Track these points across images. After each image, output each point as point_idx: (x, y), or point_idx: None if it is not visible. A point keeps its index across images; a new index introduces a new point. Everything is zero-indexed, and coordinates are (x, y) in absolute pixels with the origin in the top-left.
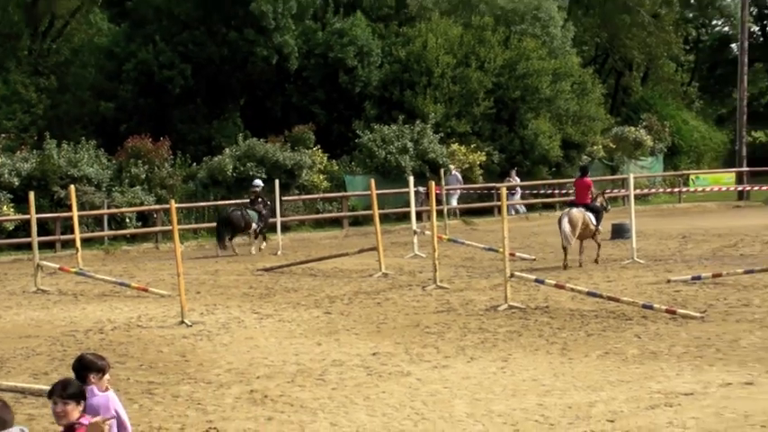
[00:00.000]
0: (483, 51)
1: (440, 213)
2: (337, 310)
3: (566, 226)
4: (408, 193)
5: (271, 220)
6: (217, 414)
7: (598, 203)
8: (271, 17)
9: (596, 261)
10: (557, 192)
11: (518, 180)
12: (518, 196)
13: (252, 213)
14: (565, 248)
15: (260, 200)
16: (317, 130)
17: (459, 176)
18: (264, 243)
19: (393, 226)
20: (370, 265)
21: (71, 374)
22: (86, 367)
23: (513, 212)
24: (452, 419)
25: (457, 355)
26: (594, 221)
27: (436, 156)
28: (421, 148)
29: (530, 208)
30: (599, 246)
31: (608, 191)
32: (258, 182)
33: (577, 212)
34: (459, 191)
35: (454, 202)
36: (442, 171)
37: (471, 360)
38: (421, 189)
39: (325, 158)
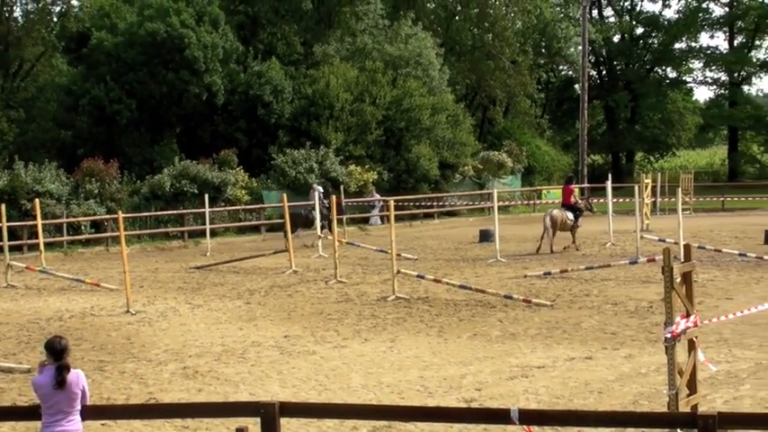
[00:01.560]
0: (375, 90)
1: (340, 221)
2: (256, 301)
3: (547, 221)
4: (314, 205)
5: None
6: (156, 387)
7: (582, 205)
8: (201, 61)
9: (575, 248)
10: (435, 204)
11: (378, 196)
12: (377, 210)
13: (315, 213)
14: (542, 237)
15: (323, 202)
16: (239, 153)
17: (321, 190)
18: (324, 237)
19: (302, 232)
20: (282, 264)
21: (36, 355)
22: (66, 349)
23: (373, 223)
24: (350, 390)
25: (353, 337)
26: (572, 218)
27: (337, 174)
28: (324, 168)
29: (413, 217)
30: (574, 236)
31: (592, 199)
32: (319, 188)
33: (558, 212)
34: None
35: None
36: (341, 187)
37: (365, 341)
38: (325, 202)
39: (247, 177)
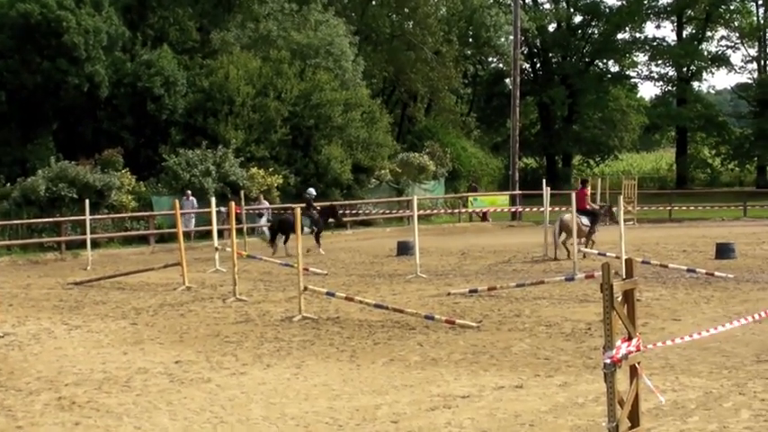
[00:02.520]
0: (280, 83)
1: (240, 231)
2: (143, 321)
3: (556, 227)
4: (210, 212)
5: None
6: (26, 420)
7: (601, 210)
8: (82, 48)
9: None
10: (348, 212)
11: (266, 203)
12: (264, 219)
13: (305, 219)
14: (555, 243)
15: (313, 206)
16: (125, 153)
17: (195, 202)
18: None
19: (196, 243)
20: (174, 279)
21: None
22: None
23: (260, 234)
24: (249, 422)
25: (254, 363)
26: (588, 223)
27: (237, 178)
28: (223, 171)
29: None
30: (592, 243)
31: (613, 206)
32: (311, 190)
33: (569, 217)
34: (193, 215)
35: (191, 226)
36: (242, 193)
37: (267, 367)
38: (222, 209)
39: (134, 180)
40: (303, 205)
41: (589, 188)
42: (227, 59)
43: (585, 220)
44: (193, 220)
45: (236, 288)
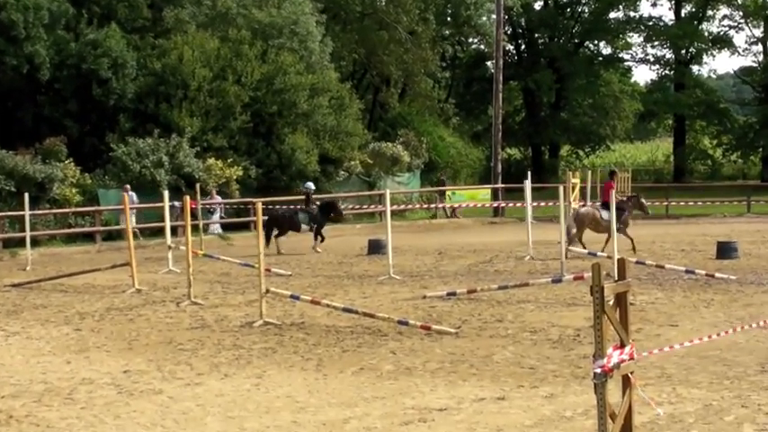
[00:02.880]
0: (240, 65)
1: (195, 228)
2: (88, 327)
3: (569, 221)
4: (163, 207)
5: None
6: None
7: (629, 202)
8: (21, 26)
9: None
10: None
11: (219, 198)
12: (217, 215)
13: (302, 215)
14: (567, 239)
15: (312, 201)
16: (69, 142)
17: (135, 197)
18: (320, 242)
19: (148, 241)
20: (123, 281)
21: None
22: None
23: (212, 231)
24: None
25: (210, 372)
26: (608, 218)
27: (192, 170)
28: (177, 162)
29: None
30: (631, 241)
31: (644, 198)
32: (310, 184)
33: (586, 210)
34: (134, 212)
35: (133, 222)
36: (198, 186)
37: (225, 377)
38: (176, 203)
39: (78, 172)
40: (292, 203)
41: (617, 180)
42: (181, 39)
43: (606, 215)
44: (134, 218)
45: (191, 290)
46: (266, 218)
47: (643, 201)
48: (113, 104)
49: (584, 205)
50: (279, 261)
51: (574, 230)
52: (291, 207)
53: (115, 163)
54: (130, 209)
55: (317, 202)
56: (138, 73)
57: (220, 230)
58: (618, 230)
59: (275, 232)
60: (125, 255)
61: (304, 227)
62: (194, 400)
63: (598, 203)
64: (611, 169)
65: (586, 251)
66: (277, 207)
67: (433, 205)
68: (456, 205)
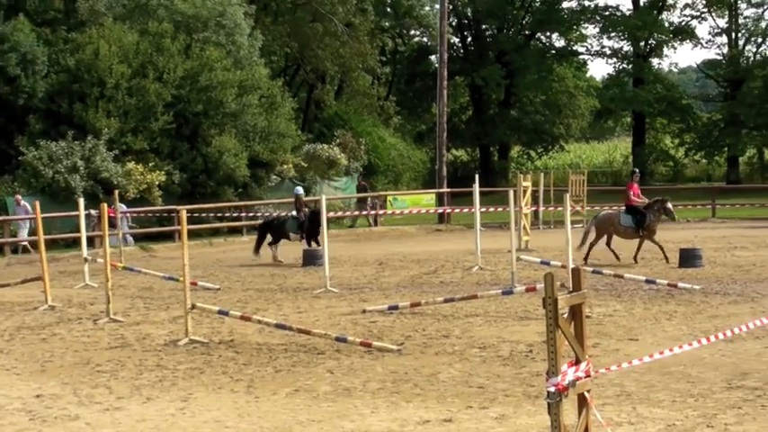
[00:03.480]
0: (162, 61)
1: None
2: None
3: (588, 226)
4: (79, 216)
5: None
6: None
7: (654, 206)
8: None
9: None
10: (244, 215)
11: (124, 207)
12: (125, 227)
13: (291, 222)
14: (585, 243)
15: (303, 207)
16: None
17: (29, 207)
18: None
19: (61, 253)
20: (34, 297)
21: None
22: None
23: (114, 243)
24: None
25: (131, 396)
26: (632, 223)
27: (110, 175)
28: (93, 166)
29: (213, 233)
30: (658, 245)
31: (668, 201)
32: (300, 189)
33: (604, 215)
34: (28, 222)
35: (25, 234)
36: (116, 192)
37: (148, 400)
38: (93, 212)
39: None
40: (219, 211)
41: (637, 181)
42: (96, 33)
43: (626, 220)
44: (26, 231)
45: (109, 307)
46: (260, 222)
47: (669, 205)
48: (22, 104)
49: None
50: (206, 273)
51: (592, 236)
52: (284, 213)
53: (25, 168)
54: (22, 220)
55: (307, 209)
56: (50, 70)
57: (132, 241)
58: (644, 237)
59: (269, 239)
60: (37, 268)
61: (293, 235)
62: (114, 427)
63: (622, 208)
64: (633, 169)
65: (618, 260)
66: (273, 213)
67: (374, 212)
68: (381, 212)
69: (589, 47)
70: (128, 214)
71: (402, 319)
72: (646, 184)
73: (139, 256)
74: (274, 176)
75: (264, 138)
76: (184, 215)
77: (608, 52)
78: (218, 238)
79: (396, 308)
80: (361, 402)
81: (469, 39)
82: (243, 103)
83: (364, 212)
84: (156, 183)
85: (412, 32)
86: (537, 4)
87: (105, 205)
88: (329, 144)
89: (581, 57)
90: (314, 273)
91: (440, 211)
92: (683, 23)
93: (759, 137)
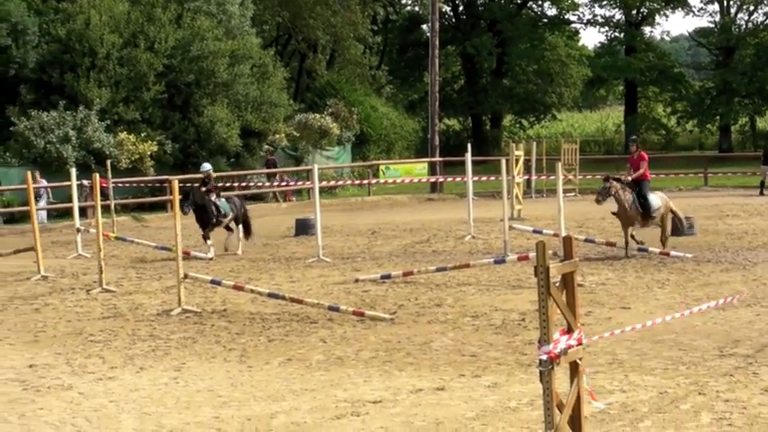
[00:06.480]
0: (153, 30)
1: (106, 209)
2: None
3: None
4: (71, 186)
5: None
6: None
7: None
8: None
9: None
10: (236, 185)
11: (44, 182)
12: (43, 201)
13: (222, 202)
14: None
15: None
16: None
17: (45, 182)
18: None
19: (54, 223)
20: (27, 267)
21: None
22: None
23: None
24: None
25: (125, 366)
26: (632, 201)
27: (102, 145)
28: (85, 136)
29: None
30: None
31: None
32: (206, 165)
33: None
34: (45, 196)
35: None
36: (108, 163)
37: (141, 370)
38: (85, 182)
39: None
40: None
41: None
42: (87, 3)
43: (630, 197)
44: (43, 203)
45: (102, 277)
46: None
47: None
48: (14, 75)
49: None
50: (198, 243)
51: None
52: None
53: (17, 139)
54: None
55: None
56: (41, 40)
57: (45, 217)
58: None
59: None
60: (29, 239)
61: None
62: (107, 396)
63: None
64: (632, 138)
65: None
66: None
67: (366, 181)
68: (292, 183)
69: (581, 15)
70: (48, 189)
71: (395, 288)
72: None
73: (132, 227)
74: (266, 146)
75: (256, 107)
76: (176, 185)
77: (600, 21)
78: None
79: (388, 277)
80: (353, 371)
81: (461, 7)
82: (234, 72)
83: (276, 187)
84: (149, 153)
85: (403, 1)
86: None
87: (97, 175)
88: (321, 114)
89: (573, 25)
90: (306, 242)
91: (432, 180)
92: None
93: (751, 105)
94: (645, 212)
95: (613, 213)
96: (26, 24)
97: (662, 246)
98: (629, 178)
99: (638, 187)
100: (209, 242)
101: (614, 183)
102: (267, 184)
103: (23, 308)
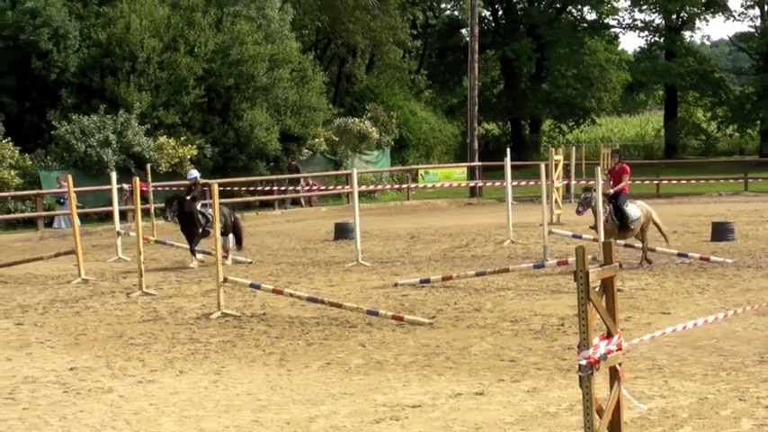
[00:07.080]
0: (193, 35)
1: (146, 212)
2: (30, 321)
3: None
4: (111, 190)
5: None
6: None
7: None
8: None
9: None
10: (275, 188)
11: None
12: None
13: (209, 211)
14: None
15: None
16: (6, 120)
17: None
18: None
19: (95, 227)
20: (68, 271)
21: None
22: None
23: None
24: None
25: (164, 369)
26: (610, 213)
27: (142, 149)
28: (125, 140)
29: (245, 207)
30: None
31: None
32: (194, 172)
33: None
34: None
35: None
36: (148, 166)
37: (180, 373)
38: (125, 186)
39: (17, 152)
40: (251, 184)
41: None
42: (128, 7)
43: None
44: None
45: (142, 280)
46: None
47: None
48: (55, 79)
49: None
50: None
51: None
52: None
53: (58, 142)
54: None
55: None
56: (82, 44)
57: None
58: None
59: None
60: (70, 242)
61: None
62: (147, 399)
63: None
64: (614, 149)
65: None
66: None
67: (405, 186)
68: (315, 186)
69: (620, 20)
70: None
71: (434, 292)
72: (677, 158)
73: (172, 230)
74: (306, 150)
75: (296, 112)
76: (216, 189)
77: (639, 25)
78: (250, 212)
79: (427, 281)
80: (393, 375)
81: (500, 12)
82: (274, 76)
83: (299, 192)
84: (188, 157)
85: (443, 5)
86: None
87: (137, 179)
88: (360, 118)
89: (612, 30)
90: (345, 246)
91: (471, 184)
92: None
93: None
94: (622, 224)
95: (591, 228)
96: (67, 29)
97: (643, 259)
98: (611, 191)
99: (615, 200)
100: (198, 256)
101: (594, 194)
102: (291, 188)
103: (64, 311)
